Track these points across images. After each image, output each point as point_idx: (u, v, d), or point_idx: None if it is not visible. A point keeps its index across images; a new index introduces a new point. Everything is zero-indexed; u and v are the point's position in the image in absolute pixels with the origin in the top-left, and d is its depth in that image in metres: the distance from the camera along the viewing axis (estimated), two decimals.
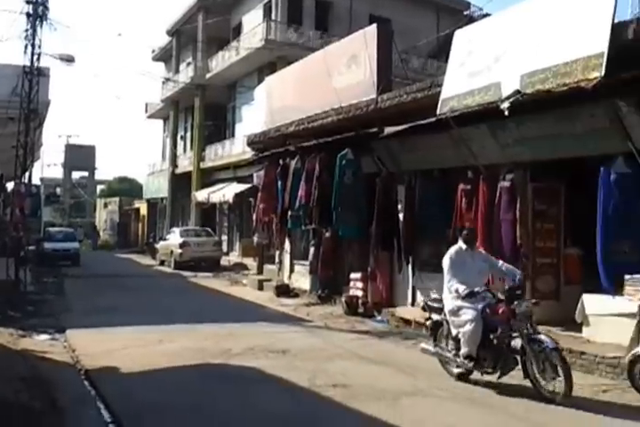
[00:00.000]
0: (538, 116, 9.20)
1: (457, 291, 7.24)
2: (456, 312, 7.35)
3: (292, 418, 6.19)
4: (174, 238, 26.35)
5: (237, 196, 25.45)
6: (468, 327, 7.14)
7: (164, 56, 40.78)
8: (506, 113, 8.67)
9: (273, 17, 27.40)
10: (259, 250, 21.23)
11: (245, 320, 12.17)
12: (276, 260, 18.83)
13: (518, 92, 8.58)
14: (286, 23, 27.14)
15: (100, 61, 73.42)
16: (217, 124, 32.91)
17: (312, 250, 15.65)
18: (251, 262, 23.73)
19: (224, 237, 29.69)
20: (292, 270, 17.70)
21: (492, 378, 7.24)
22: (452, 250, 7.69)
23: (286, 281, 17.59)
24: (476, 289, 7.15)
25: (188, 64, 35.43)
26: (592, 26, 7.79)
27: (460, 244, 7.73)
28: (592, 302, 8.78)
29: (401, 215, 12.64)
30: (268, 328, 11.39)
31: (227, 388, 7.31)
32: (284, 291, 16.73)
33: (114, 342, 9.86)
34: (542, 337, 6.76)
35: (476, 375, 7.44)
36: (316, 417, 6.24)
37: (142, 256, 34.73)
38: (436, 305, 7.93)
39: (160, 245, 28.79)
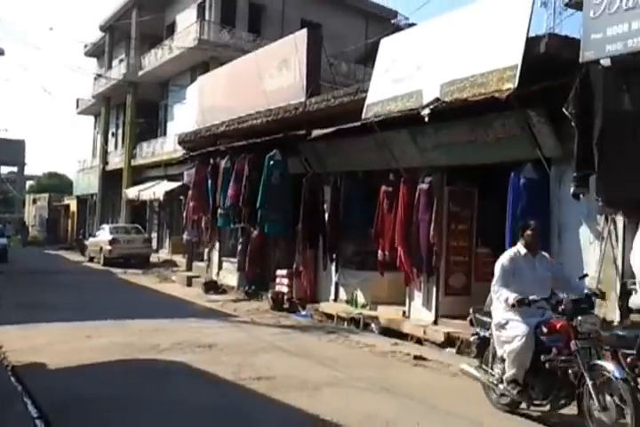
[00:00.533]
0: (455, 124, 9.50)
1: (506, 300, 5.89)
2: (503, 326, 6.06)
3: (217, 410, 6.25)
4: (104, 235, 25.99)
5: (168, 194, 25.26)
6: (516, 345, 5.81)
7: (96, 52, 39.92)
8: (426, 119, 8.91)
9: (207, 17, 27.26)
10: (188, 247, 21.16)
11: (174, 316, 12.14)
12: (205, 257, 18.82)
13: (438, 99, 8.82)
14: (220, 24, 27.05)
15: (30, 55, 71.30)
16: (149, 122, 32.46)
17: (240, 248, 15.76)
18: (180, 259, 23.59)
19: (154, 235, 29.37)
20: (220, 267, 17.73)
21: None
22: (507, 255, 6.32)
23: (215, 278, 17.60)
24: (531, 297, 5.75)
25: (121, 61, 34.89)
26: (508, 39, 8.07)
27: (519, 247, 6.37)
28: None
29: (326, 215, 12.88)
30: (195, 324, 11.39)
31: (154, 382, 7.32)
32: (212, 287, 16.77)
33: (41, 338, 9.70)
34: (607, 364, 5.24)
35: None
36: (241, 409, 6.32)
37: (71, 253, 34.01)
38: (485, 319, 6.59)
39: (90, 241, 28.31)
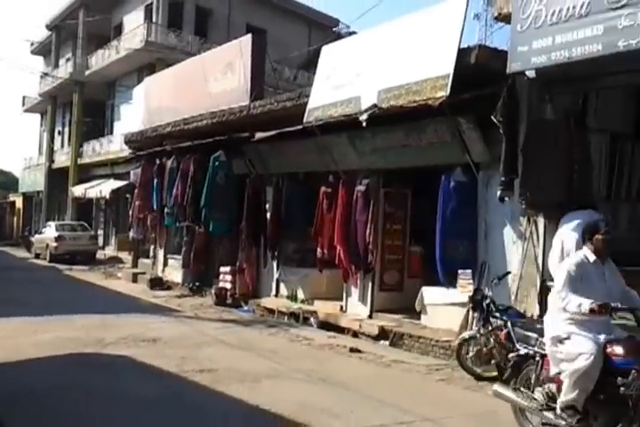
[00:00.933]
0: (391, 129, 9.66)
1: (579, 306, 4.70)
2: (562, 341, 4.84)
3: (161, 401, 6.24)
4: (50, 232, 25.45)
5: (114, 192, 24.96)
6: (581, 364, 4.60)
7: (42, 50, 38.85)
8: (364, 124, 9.06)
9: (154, 19, 26.86)
10: (134, 245, 20.91)
11: (119, 311, 12.00)
12: (151, 254, 18.65)
13: (375, 106, 8.95)
14: (167, 27, 26.72)
15: None
16: (95, 121, 31.81)
17: (185, 245, 15.70)
18: (126, 256, 23.24)
19: (100, 232, 28.84)
20: (165, 264, 17.59)
21: None
22: (573, 260, 5.09)
23: (160, 274, 17.47)
24: (614, 304, 4.67)
25: (68, 60, 34.05)
26: (441, 50, 8.24)
27: (587, 252, 5.08)
28: (430, 293, 9.39)
29: (268, 214, 12.95)
30: (140, 319, 11.31)
31: (99, 375, 7.24)
32: (157, 283, 16.63)
33: None
34: None
35: None
36: (183, 400, 6.33)
37: (17, 249, 33.11)
38: (528, 333, 5.38)
39: (36, 238, 27.67)
